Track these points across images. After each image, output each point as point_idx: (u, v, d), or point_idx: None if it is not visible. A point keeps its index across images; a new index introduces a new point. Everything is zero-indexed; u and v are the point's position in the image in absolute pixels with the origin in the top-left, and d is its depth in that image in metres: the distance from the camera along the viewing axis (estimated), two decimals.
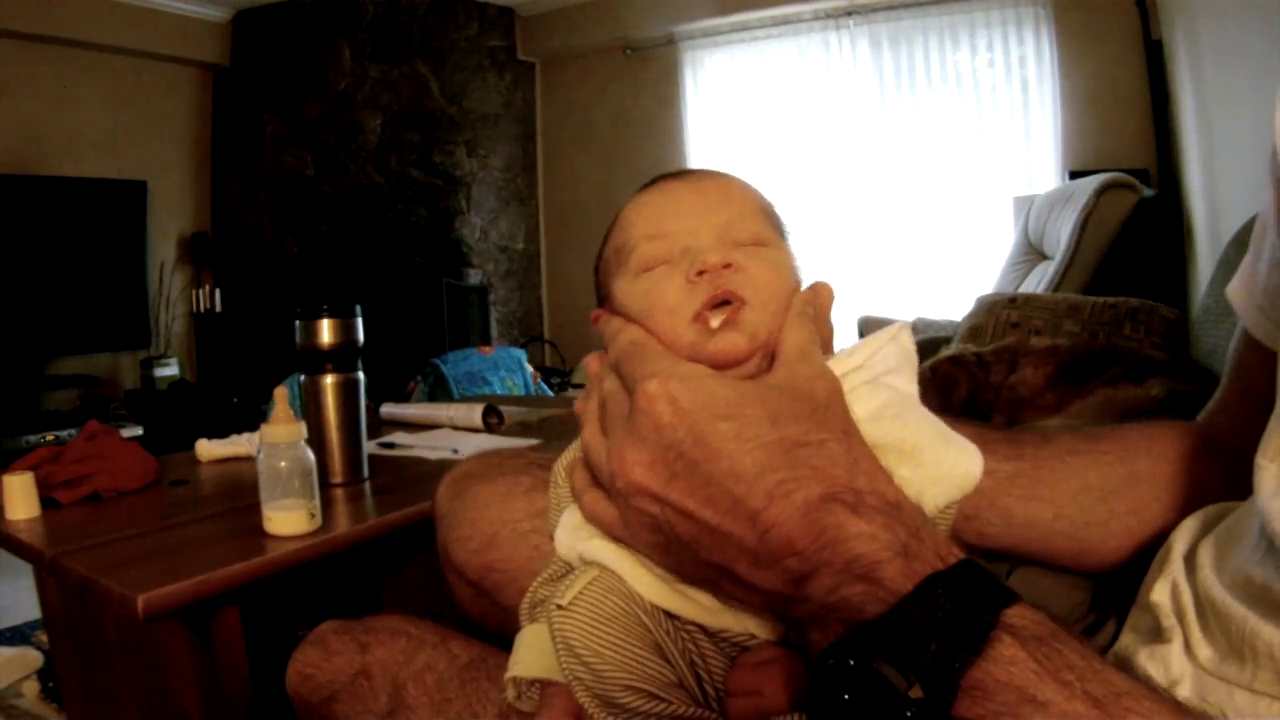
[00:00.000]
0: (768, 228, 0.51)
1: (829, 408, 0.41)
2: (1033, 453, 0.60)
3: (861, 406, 0.43)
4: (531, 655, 0.50)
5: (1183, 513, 0.58)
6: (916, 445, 0.42)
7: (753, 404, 0.40)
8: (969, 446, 0.43)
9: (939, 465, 0.42)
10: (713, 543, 0.39)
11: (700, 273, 0.46)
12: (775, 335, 0.46)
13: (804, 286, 0.52)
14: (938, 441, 0.43)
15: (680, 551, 0.41)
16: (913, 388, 0.46)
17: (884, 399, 0.44)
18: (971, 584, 0.34)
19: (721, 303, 0.46)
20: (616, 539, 0.46)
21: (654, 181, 0.54)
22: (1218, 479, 0.58)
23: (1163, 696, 0.32)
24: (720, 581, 0.41)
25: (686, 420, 0.39)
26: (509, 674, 0.51)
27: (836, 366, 0.45)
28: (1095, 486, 0.59)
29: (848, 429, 0.41)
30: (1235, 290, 0.56)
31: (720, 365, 0.45)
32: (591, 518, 0.47)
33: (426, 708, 0.60)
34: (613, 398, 0.45)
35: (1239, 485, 0.55)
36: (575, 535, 0.49)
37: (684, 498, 0.39)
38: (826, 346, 0.48)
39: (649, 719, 0.43)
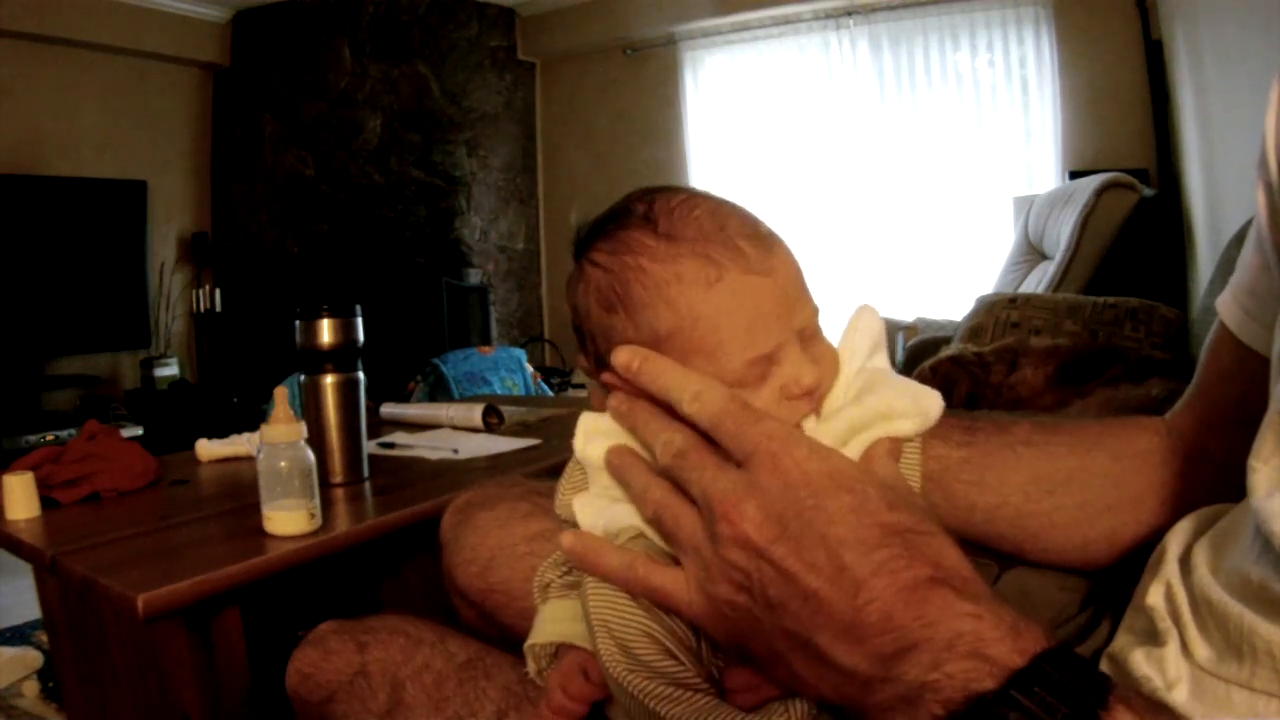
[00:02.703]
0: (814, 304, 0.51)
1: (929, 511, 0.43)
2: (985, 440, 0.61)
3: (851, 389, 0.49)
4: (549, 625, 0.53)
5: (1135, 509, 0.59)
6: (891, 407, 0.47)
7: (874, 486, 0.41)
8: (930, 391, 0.48)
9: (910, 396, 0.48)
10: (802, 609, 0.39)
11: (798, 395, 0.48)
12: None
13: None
14: (904, 391, 0.48)
15: (760, 617, 0.40)
16: (884, 362, 0.51)
17: (867, 378, 0.50)
18: (1078, 662, 0.35)
19: None
20: (676, 606, 0.45)
21: (705, 240, 0.48)
22: (1181, 478, 0.58)
23: None
24: (791, 656, 0.40)
25: (813, 485, 0.40)
26: (528, 643, 0.54)
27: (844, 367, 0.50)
28: (1044, 478, 0.60)
29: (946, 531, 0.42)
30: (1222, 298, 0.57)
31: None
32: (647, 588, 0.45)
33: (424, 706, 0.61)
34: (694, 451, 0.43)
35: (1205, 485, 0.56)
36: (599, 511, 0.49)
37: (788, 556, 0.39)
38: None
39: (658, 677, 0.44)
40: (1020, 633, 0.36)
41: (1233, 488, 0.54)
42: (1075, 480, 0.59)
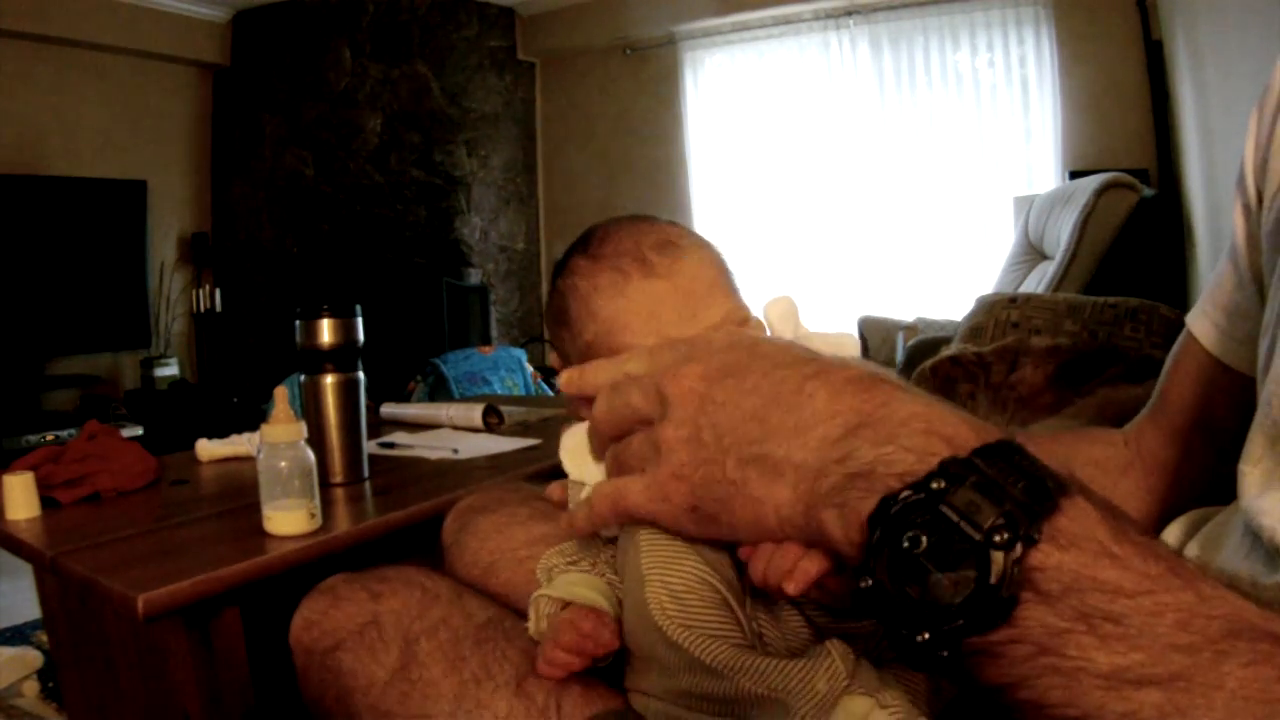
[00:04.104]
0: (738, 298, 0.57)
1: None
2: None
3: None
4: (562, 586, 0.54)
5: None
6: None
7: (804, 347, 0.43)
8: (848, 339, 0.52)
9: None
10: (751, 426, 0.38)
11: None
12: None
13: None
14: (813, 341, 0.52)
15: (713, 457, 0.39)
16: (800, 330, 0.56)
17: None
18: (1036, 457, 0.33)
19: None
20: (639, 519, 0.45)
21: (615, 254, 0.56)
22: (1134, 486, 0.60)
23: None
24: (749, 481, 0.38)
25: (747, 342, 0.42)
26: (538, 593, 0.54)
27: None
28: None
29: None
30: (1193, 313, 0.58)
31: None
32: (609, 496, 0.45)
33: (440, 665, 0.58)
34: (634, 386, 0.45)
35: (1160, 495, 0.57)
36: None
37: (730, 390, 0.40)
38: None
39: (704, 629, 0.44)
40: (978, 424, 0.35)
41: (1189, 496, 0.56)
42: None
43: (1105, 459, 0.61)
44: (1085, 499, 0.32)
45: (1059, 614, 0.29)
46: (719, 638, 0.44)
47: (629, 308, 0.54)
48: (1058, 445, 0.63)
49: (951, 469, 0.32)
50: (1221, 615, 0.28)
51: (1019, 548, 0.30)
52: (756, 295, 0.61)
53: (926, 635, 0.31)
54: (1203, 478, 0.56)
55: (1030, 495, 0.31)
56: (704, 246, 0.58)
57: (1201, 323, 0.57)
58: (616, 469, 0.46)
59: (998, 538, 0.30)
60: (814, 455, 0.36)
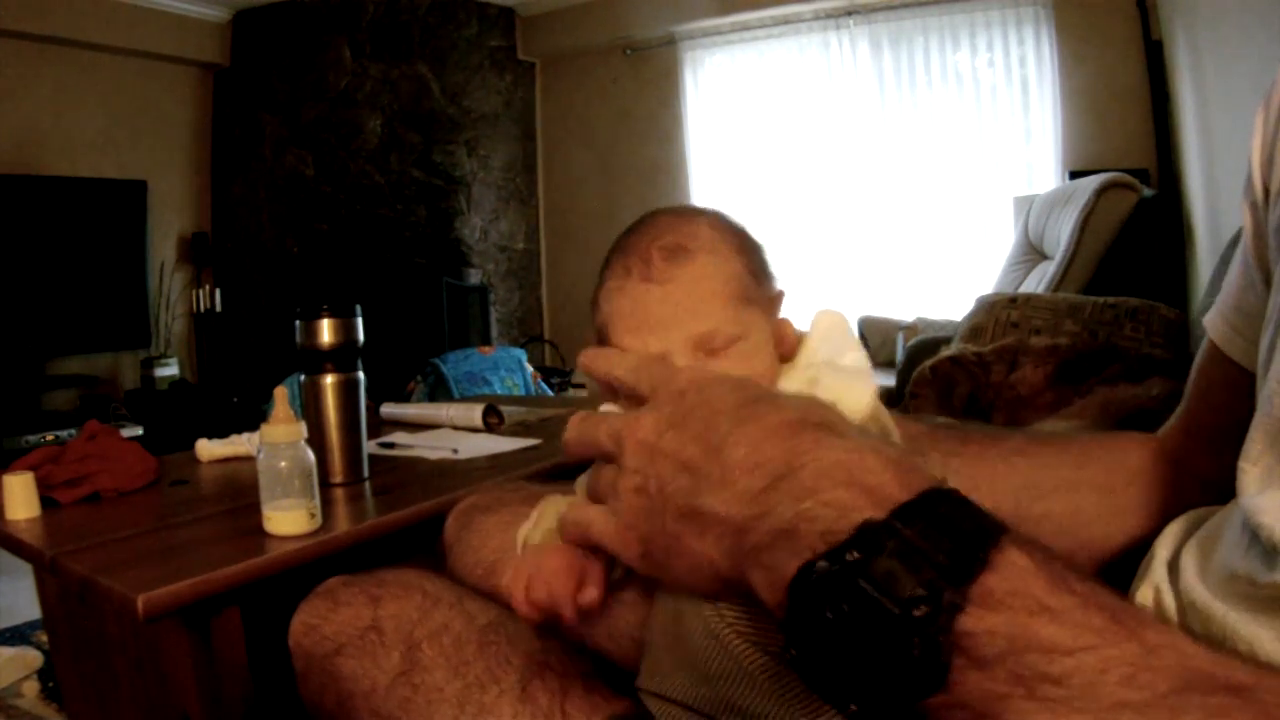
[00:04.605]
0: (745, 311, 0.54)
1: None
2: (978, 450, 0.62)
3: (793, 382, 0.53)
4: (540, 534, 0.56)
5: (1123, 520, 0.60)
6: (820, 383, 0.50)
7: (759, 387, 0.43)
8: (861, 375, 0.51)
9: (836, 393, 0.48)
10: (684, 479, 0.39)
11: None
12: None
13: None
14: (835, 379, 0.51)
15: (656, 509, 0.40)
16: (855, 360, 0.53)
17: (811, 374, 0.52)
18: (967, 503, 0.33)
19: None
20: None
21: (631, 249, 0.55)
22: (1170, 494, 0.59)
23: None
24: (684, 536, 0.39)
25: (699, 385, 0.42)
26: (523, 530, 0.56)
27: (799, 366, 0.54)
28: (1036, 485, 0.60)
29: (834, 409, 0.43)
30: (1209, 316, 0.58)
31: None
32: (575, 523, 0.47)
33: (443, 669, 0.58)
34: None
35: (1192, 503, 0.56)
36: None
37: (673, 440, 0.40)
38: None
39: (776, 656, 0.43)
40: (905, 470, 0.34)
41: (1218, 498, 0.55)
42: (1067, 488, 0.60)
43: (1143, 465, 0.61)
44: (1018, 550, 0.31)
45: (995, 679, 0.28)
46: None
47: (622, 305, 0.54)
48: (1098, 445, 0.63)
49: (868, 535, 0.31)
50: (1170, 666, 0.27)
51: (942, 618, 0.29)
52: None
53: (855, 707, 0.30)
54: (1230, 480, 0.56)
55: (955, 557, 0.30)
56: (720, 254, 0.54)
57: (1219, 326, 0.57)
58: (591, 494, 0.48)
59: (917, 611, 0.29)
60: (737, 510, 0.36)
